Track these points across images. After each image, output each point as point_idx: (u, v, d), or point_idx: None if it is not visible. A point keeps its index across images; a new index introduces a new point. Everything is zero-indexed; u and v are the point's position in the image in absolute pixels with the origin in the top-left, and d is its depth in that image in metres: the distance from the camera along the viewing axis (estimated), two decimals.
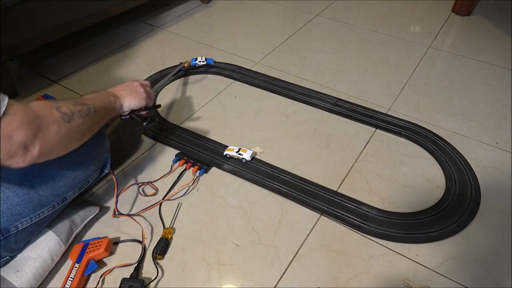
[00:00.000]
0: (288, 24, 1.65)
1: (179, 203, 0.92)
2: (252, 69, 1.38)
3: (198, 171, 0.99)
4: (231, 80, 1.32)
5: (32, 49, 1.23)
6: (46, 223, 0.78)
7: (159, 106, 0.98)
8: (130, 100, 0.84)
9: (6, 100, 0.52)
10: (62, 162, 0.76)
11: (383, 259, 0.82)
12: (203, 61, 1.35)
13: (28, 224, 0.73)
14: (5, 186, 0.70)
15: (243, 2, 1.79)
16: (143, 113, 0.89)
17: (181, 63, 1.35)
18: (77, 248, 0.79)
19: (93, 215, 0.86)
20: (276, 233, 0.87)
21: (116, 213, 0.88)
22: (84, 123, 0.67)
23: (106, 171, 0.87)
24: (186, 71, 1.35)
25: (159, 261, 0.81)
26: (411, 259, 0.83)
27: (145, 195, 0.94)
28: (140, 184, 0.96)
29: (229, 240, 0.85)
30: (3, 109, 0.51)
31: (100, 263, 0.79)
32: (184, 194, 0.94)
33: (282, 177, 0.98)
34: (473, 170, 1.02)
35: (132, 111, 0.86)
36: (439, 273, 0.80)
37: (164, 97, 1.24)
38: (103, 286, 0.77)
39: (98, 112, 0.71)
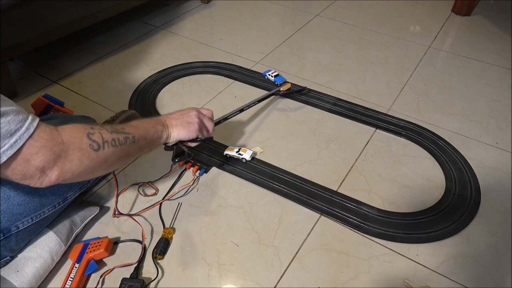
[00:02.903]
0: (288, 24, 1.65)
1: (179, 203, 0.92)
2: (252, 69, 1.38)
3: (198, 171, 0.99)
4: (231, 80, 1.32)
5: (32, 49, 1.23)
6: (46, 223, 0.78)
7: (211, 138, 0.90)
8: (180, 131, 0.79)
9: (36, 122, 0.52)
10: None
11: (383, 259, 0.82)
12: (272, 76, 1.30)
13: (29, 224, 0.73)
14: (6, 186, 0.70)
15: (243, 2, 1.79)
16: (191, 144, 0.85)
17: (277, 88, 1.24)
18: (77, 248, 0.79)
19: (93, 215, 0.86)
20: (276, 233, 0.87)
21: (116, 213, 0.89)
22: (115, 153, 0.63)
23: None
24: (185, 70, 1.35)
25: (159, 261, 0.81)
26: (411, 259, 0.83)
27: (145, 195, 0.94)
28: (140, 184, 0.96)
29: (229, 240, 0.85)
30: (31, 130, 0.51)
31: (100, 263, 0.79)
32: (184, 194, 0.94)
33: (282, 177, 0.98)
34: (473, 170, 1.02)
35: (180, 142, 0.82)
36: (439, 273, 0.80)
37: (164, 97, 1.24)
38: (103, 286, 0.77)
39: (137, 142, 0.68)
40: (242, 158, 1.01)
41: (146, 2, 1.54)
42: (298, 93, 1.25)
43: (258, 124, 1.15)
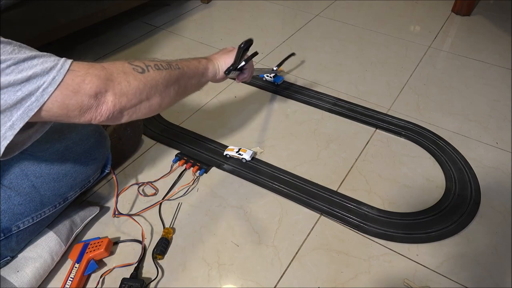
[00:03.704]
0: (288, 24, 1.65)
1: (179, 203, 0.92)
2: None
3: (198, 171, 0.99)
4: (231, 80, 1.32)
5: None
6: (47, 223, 0.78)
7: (256, 53, 0.94)
8: (226, 58, 0.82)
9: (70, 60, 0.52)
10: (64, 162, 0.76)
11: (383, 259, 0.82)
12: (270, 77, 1.31)
13: (30, 224, 0.73)
14: (6, 186, 0.70)
15: (243, 2, 1.79)
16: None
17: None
18: (77, 248, 0.79)
19: (93, 215, 0.86)
20: (276, 233, 0.87)
21: (116, 213, 0.89)
22: (162, 76, 0.61)
23: (107, 171, 0.87)
24: None
25: (159, 261, 0.81)
26: (411, 259, 0.83)
27: (145, 195, 0.94)
28: (140, 184, 0.96)
29: (229, 240, 0.85)
30: (67, 66, 0.50)
31: (100, 263, 0.79)
32: (184, 194, 0.94)
33: (282, 177, 0.98)
34: (473, 170, 1.02)
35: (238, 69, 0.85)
36: (439, 273, 0.80)
37: None
38: (103, 286, 0.77)
39: (182, 69, 0.67)
40: (242, 158, 1.01)
41: (146, 2, 1.54)
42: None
43: (258, 124, 1.15)
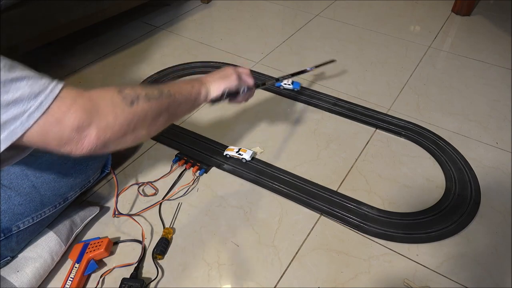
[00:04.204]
0: (288, 24, 1.65)
1: (179, 203, 0.92)
2: (252, 69, 1.38)
3: (198, 171, 0.99)
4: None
5: (32, 49, 1.23)
6: (47, 223, 0.78)
7: (264, 84, 0.90)
8: (219, 84, 0.77)
9: (61, 83, 0.49)
10: (64, 162, 0.76)
11: (383, 259, 0.82)
12: (289, 84, 1.26)
13: (30, 224, 0.73)
14: (7, 186, 0.70)
15: (243, 2, 1.79)
16: (238, 99, 0.84)
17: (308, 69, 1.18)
18: (77, 248, 0.79)
19: (93, 215, 0.86)
20: (276, 233, 0.87)
21: (116, 213, 0.89)
22: (152, 107, 0.59)
23: (107, 171, 0.87)
24: (185, 70, 1.35)
25: (159, 261, 0.81)
26: (411, 259, 0.83)
27: (145, 195, 0.94)
28: (140, 184, 0.96)
29: (229, 240, 0.85)
30: (56, 91, 0.48)
31: (100, 263, 0.79)
32: (184, 194, 0.94)
33: (282, 177, 0.98)
34: (473, 170, 1.02)
35: (228, 95, 0.80)
36: (439, 273, 0.80)
37: None
38: (103, 286, 0.77)
39: (173, 96, 0.64)
40: (242, 158, 1.01)
41: (146, 2, 1.54)
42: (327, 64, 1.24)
43: (258, 124, 1.15)
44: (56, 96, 0.47)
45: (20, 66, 0.47)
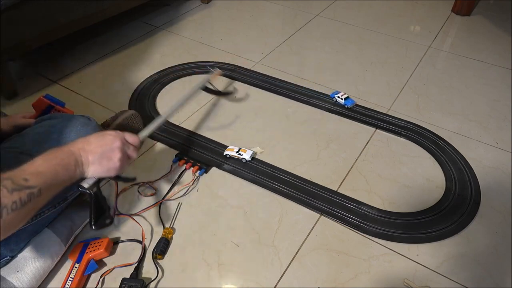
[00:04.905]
0: (288, 24, 1.65)
1: (179, 203, 0.92)
2: (252, 69, 1.38)
3: (198, 171, 0.99)
4: (231, 80, 1.32)
5: (32, 49, 1.23)
6: (46, 223, 0.78)
7: (134, 179, 0.79)
8: (96, 169, 0.65)
9: None
10: None
11: (383, 259, 0.82)
12: (341, 98, 1.20)
13: (29, 224, 0.73)
14: None
15: (243, 2, 1.79)
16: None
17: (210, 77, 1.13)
18: (77, 248, 0.79)
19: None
20: (276, 233, 0.87)
21: (116, 213, 0.88)
22: (18, 215, 0.52)
23: None
24: (185, 70, 1.35)
25: (159, 261, 0.81)
26: (411, 259, 0.83)
27: (145, 195, 0.94)
28: (140, 184, 0.96)
29: (229, 240, 0.85)
30: None
31: (100, 263, 0.79)
32: (184, 194, 0.94)
33: (282, 177, 0.98)
34: (473, 170, 1.02)
35: (97, 181, 0.68)
36: (439, 273, 0.80)
37: (164, 97, 1.24)
38: (103, 286, 0.77)
39: (43, 194, 0.56)
40: (242, 158, 1.01)
41: (146, 2, 1.54)
42: (224, 95, 1.22)
43: (258, 124, 1.15)
44: None
45: None
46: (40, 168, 0.57)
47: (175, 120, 1.15)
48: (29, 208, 0.54)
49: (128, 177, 0.75)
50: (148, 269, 0.79)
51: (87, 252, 0.78)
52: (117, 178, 0.71)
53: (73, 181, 0.63)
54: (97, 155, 0.65)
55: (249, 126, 1.14)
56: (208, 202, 0.93)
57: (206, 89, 1.17)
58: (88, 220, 0.85)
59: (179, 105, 0.97)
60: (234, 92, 1.21)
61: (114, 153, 0.67)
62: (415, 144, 1.09)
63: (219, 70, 1.24)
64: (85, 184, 0.67)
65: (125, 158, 0.70)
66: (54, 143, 0.76)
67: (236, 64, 1.39)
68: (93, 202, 0.69)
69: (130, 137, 0.72)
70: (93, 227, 0.72)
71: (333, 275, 0.79)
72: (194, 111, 1.19)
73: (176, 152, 1.05)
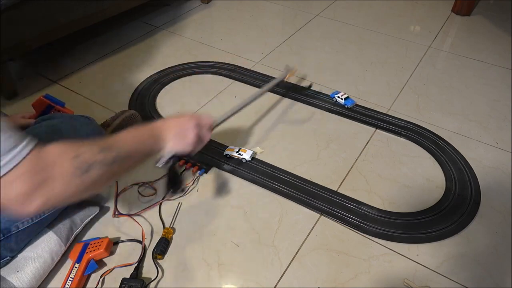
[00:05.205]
0: (288, 24, 1.65)
1: (179, 203, 0.92)
2: (252, 69, 1.38)
3: (198, 171, 0.99)
4: (231, 80, 1.32)
5: (32, 49, 1.23)
6: (46, 223, 0.78)
7: (182, 190, 0.92)
8: (175, 145, 0.72)
9: (21, 156, 0.49)
10: None
11: (383, 259, 0.82)
12: (341, 98, 1.21)
13: (29, 224, 0.73)
14: None
15: (243, 2, 1.79)
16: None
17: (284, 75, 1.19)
18: (77, 248, 0.79)
19: (93, 215, 0.86)
20: (276, 233, 0.87)
21: (116, 213, 0.89)
22: (104, 174, 0.58)
23: None
24: (185, 70, 1.35)
25: (159, 261, 0.81)
26: (411, 259, 0.83)
27: (145, 195, 0.94)
28: (140, 184, 0.96)
29: (229, 240, 0.85)
30: (14, 162, 0.49)
31: (100, 263, 0.79)
32: (184, 194, 0.94)
33: (282, 177, 0.98)
34: (473, 170, 1.02)
35: (173, 156, 0.76)
36: (439, 273, 0.80)
37: (164, 97, 1.24)
38: (103, 286, 0.77)
39: (127, 159, 0.62)
40: (242, 158, 1.01)
41: (146, 2, 1.54)
42: (304, 90, 1.25)
43: (258, 124, 1.15)
44: (14, 166, 0.49)
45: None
46: (126, 138, 0.65)
47: None
48: (113, 171, 0.60)
49: (182, 187, 0.90)
50: (148, 269, 0.79)
51: (87, 252, 0.78)
52: (189, 157, 0.84)
53: (152, 154, 0.70)
54: (176, 133, 0.73)
55: (249, 126, 1.14)
56: (208, 202, 0.93)
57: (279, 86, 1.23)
58: (88, 220, 0.85)
59: (255, 97, 1.04)
60: (310, 87, 1.26)
61: (189, 133, 0.74)
62: (415, 144, 1.09)
63: (294, 68, 1.27)
64: (162, 160, 0.75)
65: (198, 139, 0.77)
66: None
67: (236, 64, 1.39)
68: (169, 174, 0.80)
69: (204, 120, 0.79)
70: (169, 193, 0.89)
71: (333, 275, 0.79)
72: (194, 111, 1.19)
73: None
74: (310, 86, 1.28)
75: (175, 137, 0.72)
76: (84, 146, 0.57)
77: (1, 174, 0.48)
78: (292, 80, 1.31)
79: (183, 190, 0.92)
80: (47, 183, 0.51)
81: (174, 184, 0.83)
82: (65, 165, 0.53)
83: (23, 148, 0.50)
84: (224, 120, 0.92)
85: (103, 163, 0.57)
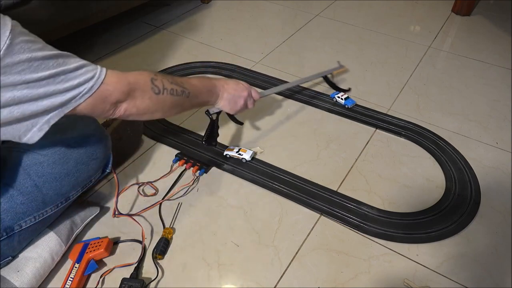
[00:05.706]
0: (288, 24, 1.65)
1: (179, 203, 0.92)
2: (252, 69, 1.38)
3: (198, 171, 0.99)
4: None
5: None
6: (48, 222, 0.78)
7: (242, 124, 1.04)
8: (225, 105, 0.88)
9: (104, 71, 0.62)
10: (66, 161, 0.76)
11: (383, 259, 0.82)
12: (342, 98, 1.21)
13: (32, 223, 0.73)
14: (9, 185, 0.70)
15: (243, 2, 1.79)
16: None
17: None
18: (77, 248, 0.79)
19: (94, 215, 0.86)
20: (276, 233, 0.87)
21: (116, 213, 0.89)
22: (171, 101, 0.73)
23: (108, 170, 0.87)
24: (185, 70, 1.35)
25: (159, 261, 0.81)
26: (411, 259, 0.83)
27: (145, 195, 0.94)
28: (140, 184, 0.96)
29: (229, 240, 0.85)
30: (102, 77, 0.61)
31: (100, 263, 0.79)
32: (184, 194, 0.94)
33: (282, 177, 0.98)
34: (473, 170, 1.02)
35: (219, 112, 0.92)
36: (439, 273, 0.80)
37: None
38: (103, 286, 0.77)
39: (190, 98, 0.77)
40: (242, 158, 1.01)
41: (146, 2, 1.54)
42: (342, 91, 1.26)
43: (258, 124, 1.15)
44: (102, 82, 0.61)
45: (72, 56, 0.60)
46: (194, 82, 0.80)
47: (175, 120, 1.15)
48: (179, 102, 0.75)
49: (239, 120, 1.01)
50: (148, 269, 0.79)
51: (87, 252, 0.78)
52: (232, 116, 0.98)
53: (205, 105, 0.87)
54: (230, 95, 0.88)
55: (249, 126, 1.14)
56: (208, 202, 0.93)
57: (325, 78, 1.29)
58: (89, 220, 0.85)
59: (303, 80, 1.20)
60: (348, 90, 1.29)
61: (240, 99, 0.90)
62: (415, 144, 1.10)
63: (344, 67, 1.35)
64: (212, 110, 0.90)
65: (245, 106, 0.92)
66: (57, 143, 0.76)
67: (236, 64, 1.39)
68: (211, 125, 0.94)
69: (254, 93, 0.94)
70: (203, 142, 0.97)
71: (333, 275, 0.79)
72: (194, 111, 1.19)
73: (176, 152, 1.05)
74: (349, 89, 1.28)
75: (228, 99, 0.87)
76: (159, 75, 0.71)
77: (96, 88, 0.60)
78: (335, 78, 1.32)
79: (215, 145, 1.00)
80: (131, 95, 0.66)
81: (211, 136, 0.96)
82: (144, 83, 0.68)
83: (101, 71, 0.62)
84: (269, 94, 1.06)
85: (171, 93, 0.72)
